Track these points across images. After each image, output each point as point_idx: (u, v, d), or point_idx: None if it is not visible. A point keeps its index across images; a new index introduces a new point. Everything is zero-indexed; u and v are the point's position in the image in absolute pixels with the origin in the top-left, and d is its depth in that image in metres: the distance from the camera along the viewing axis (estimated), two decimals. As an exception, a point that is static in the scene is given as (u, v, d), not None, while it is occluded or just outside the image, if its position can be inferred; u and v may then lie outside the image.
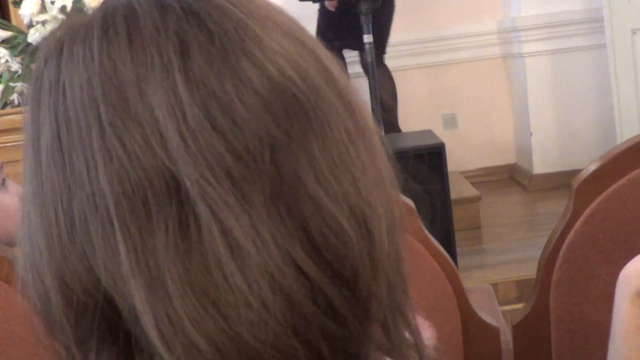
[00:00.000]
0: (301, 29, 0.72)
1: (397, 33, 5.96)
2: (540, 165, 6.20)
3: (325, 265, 0.65)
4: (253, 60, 0.66)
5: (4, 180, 2.07)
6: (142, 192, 0.63)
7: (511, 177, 6.64)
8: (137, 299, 0.63)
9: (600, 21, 5.70)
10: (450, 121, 6.59)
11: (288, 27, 0.71)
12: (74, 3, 3.73)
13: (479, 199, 5.47)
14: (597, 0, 5.75)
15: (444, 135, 5.39)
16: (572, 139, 6.18)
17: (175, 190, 0.63)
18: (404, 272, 0.72)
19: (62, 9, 3.74)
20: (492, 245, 5.07)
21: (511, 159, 6.69)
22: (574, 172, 5.16)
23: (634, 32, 5.61)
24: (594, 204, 1.66)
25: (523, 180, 6.37)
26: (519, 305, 4.17)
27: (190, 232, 0.63)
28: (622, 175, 1.66)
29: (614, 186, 1.65)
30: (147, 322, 0.63)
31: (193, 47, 0.66)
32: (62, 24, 0.72)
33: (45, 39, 0.72)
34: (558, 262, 1.67)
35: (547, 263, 1.69)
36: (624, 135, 5.56)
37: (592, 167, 1.68)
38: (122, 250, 0.64)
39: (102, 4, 0.71)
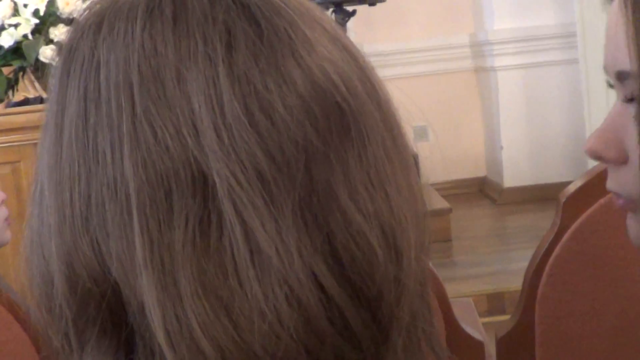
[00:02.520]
0: (346, 36, 0.71)
1: (371, 44, 5.96)
2: (511, 178, 6.22)
3: (348, 284, 0.62)
4: (300, 61, 0.64)
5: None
6: (166, 183, 0.61)
7: (481, 190, 6.65)
8: (146, 293, 0.61)
9: (573, 36, 5.74)
10: (421, 133, 6.57)
11: (334, 33, 0.69)
12: (47, 7, 3.73)
13: (449, 211, 5.48)
14: (570, 15, 5.79)
15: (414, 147, 5.38)
16: (543, 153, 6.20)
17: (201, 185, 0.61)
18: (428, 299, 0.70)
19: (35, 12, 3.73)
20: (462, 258, 5.08)
21: (482, 172, 6.71)
22: (544, 186, 5.20)
23: (606, 47, 5.64)
24: (581, 219, 1.64)
25: (493, 194, 6.38)
26: (490, 319, 4.19)
27: (211, 230, 0.61)
28: (609, 191, 1.65)
29: (601, 201, 1.64)
30: (155, 319, 0.61)
31: (240, 40, 0.63)
32: None
33: (84, 10, 0.69)
34: (544, 276, 1.66)
35: (533, 277, 1.68)
36: (594, 150, 5.58)
37: (580, 182, 1.67)
38: (138, 241, 0.61)
39: None
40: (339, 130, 0.64)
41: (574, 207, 1.66)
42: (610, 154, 0.93)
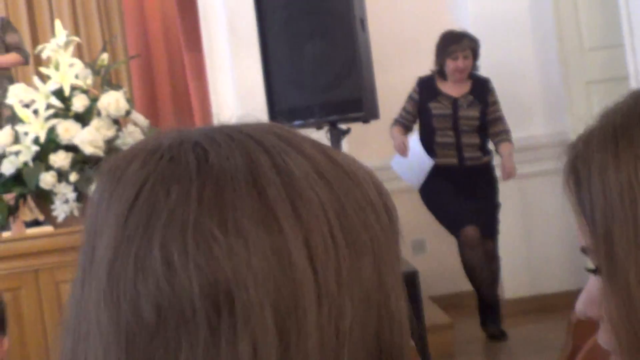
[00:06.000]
0: None
1: (366, 160, 5.00)
2: (510, 289, 6.03)
3: None
4: None
5: None
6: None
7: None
8: None
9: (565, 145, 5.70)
10: (419, 247, 6.10)
11: None
12: (47, 134, 3.71)
13: (451, 325, 5.44)
14: (562, 125, 5.83)
15: (413, 260, 5.51)
16: (541, 263, 6.06)
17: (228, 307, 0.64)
18: None
19: (35, 139, 3.71)
20: (467, 373, 5.03)
21: (482, 284, 5.97)
22: (544, 297, 5.45)
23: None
24: (593, 338, 1.54)
25: (494, 306, 5.83)
26: None
27: None
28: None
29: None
30: None
31: None
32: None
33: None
34: (559, 396, 1.63)
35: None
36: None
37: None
38: None
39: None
40: None
41: (586, 326, 1.60)
42: (593, 313, 0.99)
